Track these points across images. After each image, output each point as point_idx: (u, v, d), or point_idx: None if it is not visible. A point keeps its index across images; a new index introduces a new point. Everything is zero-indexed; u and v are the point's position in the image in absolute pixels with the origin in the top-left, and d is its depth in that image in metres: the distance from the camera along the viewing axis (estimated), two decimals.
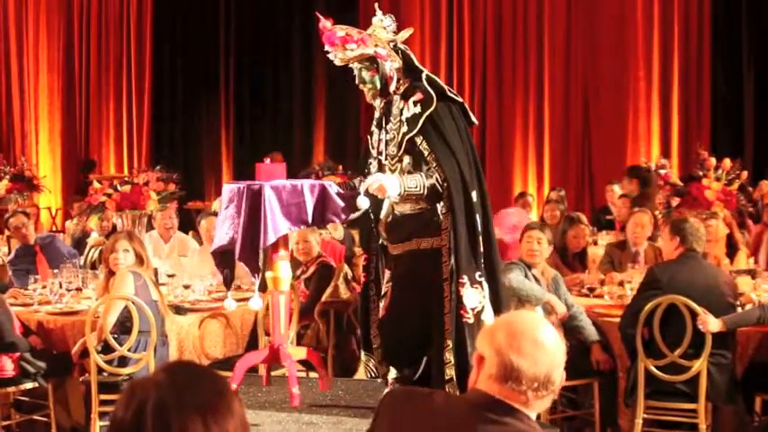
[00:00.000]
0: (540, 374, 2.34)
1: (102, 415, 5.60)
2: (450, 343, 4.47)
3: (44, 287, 6.56)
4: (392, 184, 4.49)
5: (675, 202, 7.56)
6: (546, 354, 2.35)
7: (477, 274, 4.52)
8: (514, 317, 2.55)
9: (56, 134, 15.69)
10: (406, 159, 4.59)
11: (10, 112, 15.75)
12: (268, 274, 4.70)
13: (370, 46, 4.59)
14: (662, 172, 9.39)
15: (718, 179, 6.97)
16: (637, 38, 13.13)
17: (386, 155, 4.69)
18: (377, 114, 4.80)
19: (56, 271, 6.71)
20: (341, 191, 4.65)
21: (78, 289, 6.56)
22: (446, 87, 4.67)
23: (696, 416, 5.33)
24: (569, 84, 13.66)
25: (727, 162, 7.04)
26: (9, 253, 9.00)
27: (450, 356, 4.47)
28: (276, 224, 4.49)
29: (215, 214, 8.11)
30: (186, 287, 6.71)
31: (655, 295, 5.35)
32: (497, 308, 4.58)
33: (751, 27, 12.43)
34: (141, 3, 15.39)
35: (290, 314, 5.35)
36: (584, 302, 6.40)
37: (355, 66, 4.65)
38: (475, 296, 4.50)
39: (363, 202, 4.54)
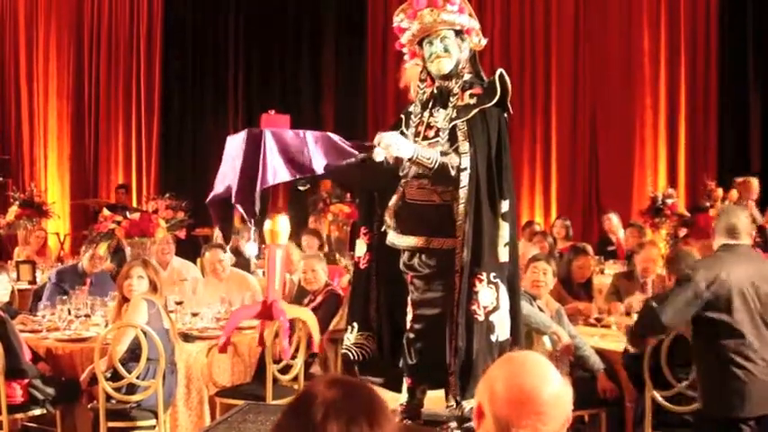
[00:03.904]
0: None
1: None
2: (458, 334, 4.40)
3: (53, 314, 6.59)
4: (406, 144, 4.43)
5: (682, 232, 7.59)
6: (551, 421, 2.24)
7: (493, 275, 4.45)
8: (517, 371, 2.31)
9: (65, 160, 15.75)
10: (440, 147, 4.51)
11: (19, 138, 15.83)
12: (265, 227, 4.60)
13: (466, 15, 4.61)
14: (669, 202, 9.42)
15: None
16: (644, 67, 13.16)
17: (423, 136, 4.63)
18: (422, 96, 4.74)
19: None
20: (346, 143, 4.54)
21: (87, 315, 6.58)
22: (509, 95, 4.60)
23: None
24: (576, 112, 13.70)
25: (734, 193, 7.07)
26: (18, 279, 9.05)
27: (455, 347, 4.41)
28: (276, 168, 4.37)
29: (219, 246, 8.16)
30: (194, 315, 6.72)
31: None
32: (515, 320, 4.55)
33: (758, 56, 12.46)
34: (151, 29, 15.49)
35: (286, 267, 5.07)
36: (590, 332, 6.42)
37: (441, 33, 4.59)
38: (490, 295, 4.44)
39: (379, 154, 4.41)
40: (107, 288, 7.10)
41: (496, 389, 2.28)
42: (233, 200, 4.48)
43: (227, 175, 4.60)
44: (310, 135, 4.48)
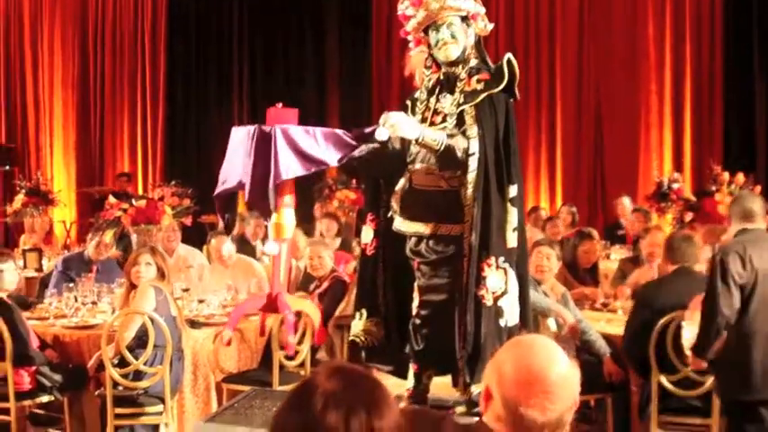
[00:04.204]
0: (551, 420, 2.28)
1: (117, 429, 5.64)
2: (467, 319, 4.40)
3: (60, 301, 6.61)
4: (412, 124, 4.40)
5: (688, 216, 7.57)
6: (558, 401, 2.27)
7: (502, 259, 4.43)
8: (525, 353, 2.35)
9: (70, 148, 15.75)
10: (447, 132, 4.49)
11: (25, 127, 15.84)
12: (270, 221, 4.59)
13: (472, 1, 4.59)
14: (675, 186, 9.40)
15: (731, 194, 6.97)
16: (649, 52, 13.12)
17: (430, 122, 4.60)
18: (428, 83, 4.73)
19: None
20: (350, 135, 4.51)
21: (94, 303, 6.59)
22: (517, 80, 4.58)
23: (710, 431, 5.33)
24: (581, 98, 13.67)
25: (740, 177, 7.05)
26: (24, 267, 9.07)
27: (464, 332, 4.41)
28: (288, 164, 4.35)
29: (224, 233, 8.16)
30: (201, 301, 6.74)
31: (650, 313, 5.38)
32: (524, 305, 4.55)
33: (763, 41, 12.42)
34: (156, 18, 15.46)
35: (292, 254, 5.06)
36: (596, 317, 6.43)
37: (447, 20, 4.58)
38: (498, 280, 4.43)
39: (383, 133, 4.37)
40: (114, 275, 7.12)
41: (504, 370, 2.31)
42: (246, 198, 4.48)
43: (236, 169, 4.58)
44: (319, 130, 4.47)
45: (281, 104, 4.81)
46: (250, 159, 4.43)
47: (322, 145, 4.42)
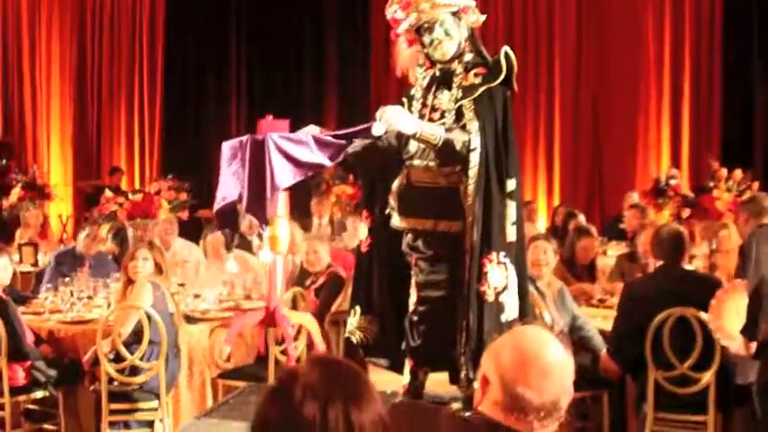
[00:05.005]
0: (547, 403, 2.31)
1: (111, 424, 5.63)
2: (469, 315, 4.35)
3: (55, 296, 6.59)
4: (409, 119, 4.35)
5: (686, 212, 7.57)
6: (554, 382, 2.31)
7: (502, 254, 4.39)
8: (521, 338, 2.42)
9: (67, 142, 15.73)
10: (447, 126, 4.43)
11: (22, 120, 15.80)
12: (265, 233, 4.58)
13: None
14: (672, 182, 9.39)
15: (728, 190, 6.98)
16: (647, 48, 13.12)
17: (428, 119, 4.53)
18: (423, 80, 4.66)
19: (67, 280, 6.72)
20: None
21: (89, 297, 6.58)
22: (515, 73, 4.51)
23: (706, 427, 5.32)
24: (579, 94, 13.66)
25: (738, 173, 7.04)
26: (20, 261, 9.04)
27: (466, 327, 4.38)
28: (283, 173, 4.32)
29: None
30: (197, 296, 6.72)
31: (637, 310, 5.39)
32: (523, 299, 4.53)
33: (762, 37, 12.41)
34: (154, 11, 15.44)
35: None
36: (593, 313, 6.42)
37: (439, 18, 4.50)
38: (500, 275, 4.39)
39: (379, 128, 4.32)
40: (106, 270, 7.11)
41: (502, 354, 2.36)
42: (244, 209, 4.47)
43: (232, 183, 4.57)
44: (311, 136, 4.45)
45: (271, 117, 4.80)
46: (245, 169, 4.42)
47: (315, 149, 4.39)
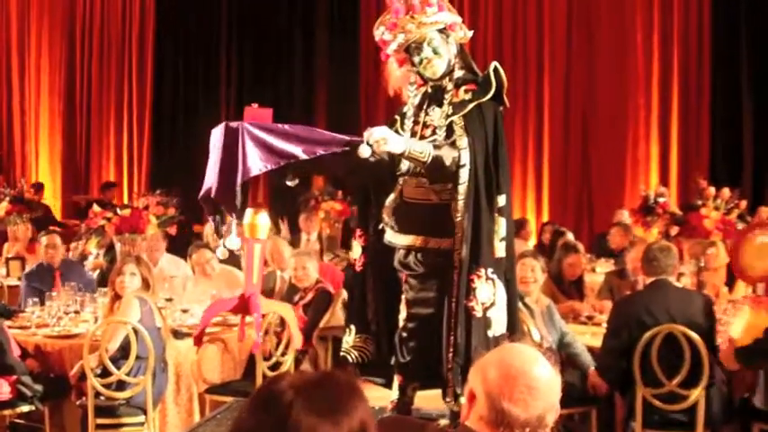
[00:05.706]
0: (532, 419, 2.31)
1: None
2: (457, 331, 4.32)
3: (42, 309, 6.56)
4: (397, 140, 4.30)
5: (674, 230, 7.57)
6: (540, 398, 2.31)
7: (490, 270, 4.37)
8: (507, 354, 2.44)
9: (56, 156, 15.71)
10: (436, 143, 4.40)
11: (11, 134, 15.79)
12: (245, 221, 4.55)
13: (446, 11, 4.54)
14: (661, 200, 9.40)
15: (716, 208, 6.98)
16: (636, 65, 13.17)
17: (420, 135, 4.52)
18: (415, 99, 4.66)
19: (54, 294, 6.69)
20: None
21: (76, 312, 6.55)
22: (505, 88, 4.51)
23: None
24: (568, 111, 13.70)
25: (726, 191, 7.05)
26: (7, 275, 9.01)
27: (454, 343, 4.38)
28: (255, 160, 4.23)
29: (205, 246, 8.12)
30: (184, 311, 6.70)
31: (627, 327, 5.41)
32: (511, 315, 4.52)
33: (751, 56, 12.48)
34: (143, 26, 15.45)
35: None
36: (582, 330, 6.42)
37: (427, 37, 4.48)
38: (488, 291, 4.37)
39: (365, 150, 4.24)
40: (77, 274, 7.15)
41: (488, 371, 2.36)
42: (213, 195, 4.42)
43: (212, 170, 4.54)
44: (288, 125, 4.41)
45: (256, 105, 4.76)
46: (219, 156, 4.39)
47: (292, 138, 4.36)
